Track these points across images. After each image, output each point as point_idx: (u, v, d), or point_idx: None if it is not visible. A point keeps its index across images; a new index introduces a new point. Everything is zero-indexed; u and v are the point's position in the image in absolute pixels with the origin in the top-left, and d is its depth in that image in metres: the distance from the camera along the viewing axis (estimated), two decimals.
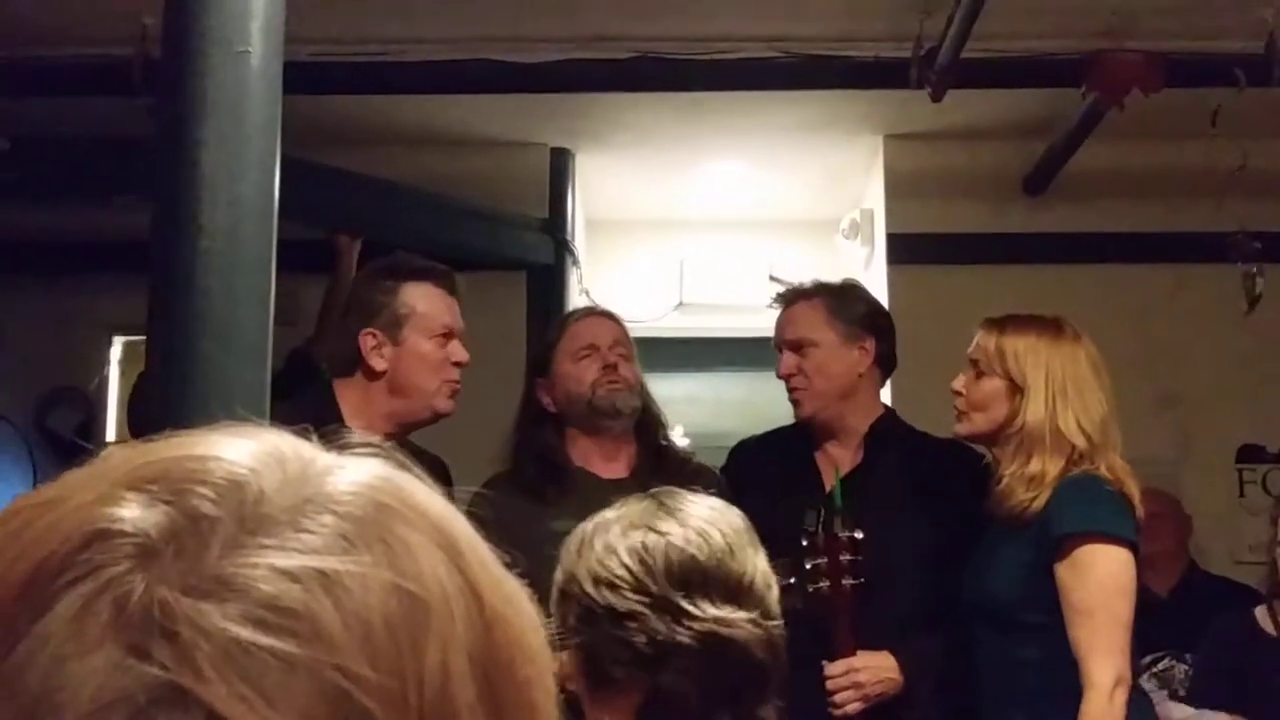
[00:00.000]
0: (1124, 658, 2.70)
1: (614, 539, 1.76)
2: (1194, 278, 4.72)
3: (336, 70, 3.99)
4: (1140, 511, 2.82)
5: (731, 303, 5.68)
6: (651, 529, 1.75)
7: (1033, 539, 2.80)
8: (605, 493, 3.00)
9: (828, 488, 3.16)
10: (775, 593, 1.76)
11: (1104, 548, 2.74)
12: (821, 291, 3.29)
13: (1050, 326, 2.95)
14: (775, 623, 1.74)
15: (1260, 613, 3.54)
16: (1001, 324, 2.96)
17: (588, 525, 1.82)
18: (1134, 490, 2.82)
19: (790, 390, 3.22)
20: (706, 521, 1.76)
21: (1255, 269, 4.00)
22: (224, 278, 1.91)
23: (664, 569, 1.72)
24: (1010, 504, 2.83)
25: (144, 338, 2.05)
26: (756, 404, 4.28)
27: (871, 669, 2.91)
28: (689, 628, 1.70)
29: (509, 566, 0.57)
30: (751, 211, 5.64)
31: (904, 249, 4.90)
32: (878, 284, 4.80)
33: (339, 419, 2.74)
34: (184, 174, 1.91)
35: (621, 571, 1.73)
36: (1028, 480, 2.82)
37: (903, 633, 2.97)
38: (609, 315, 3.24)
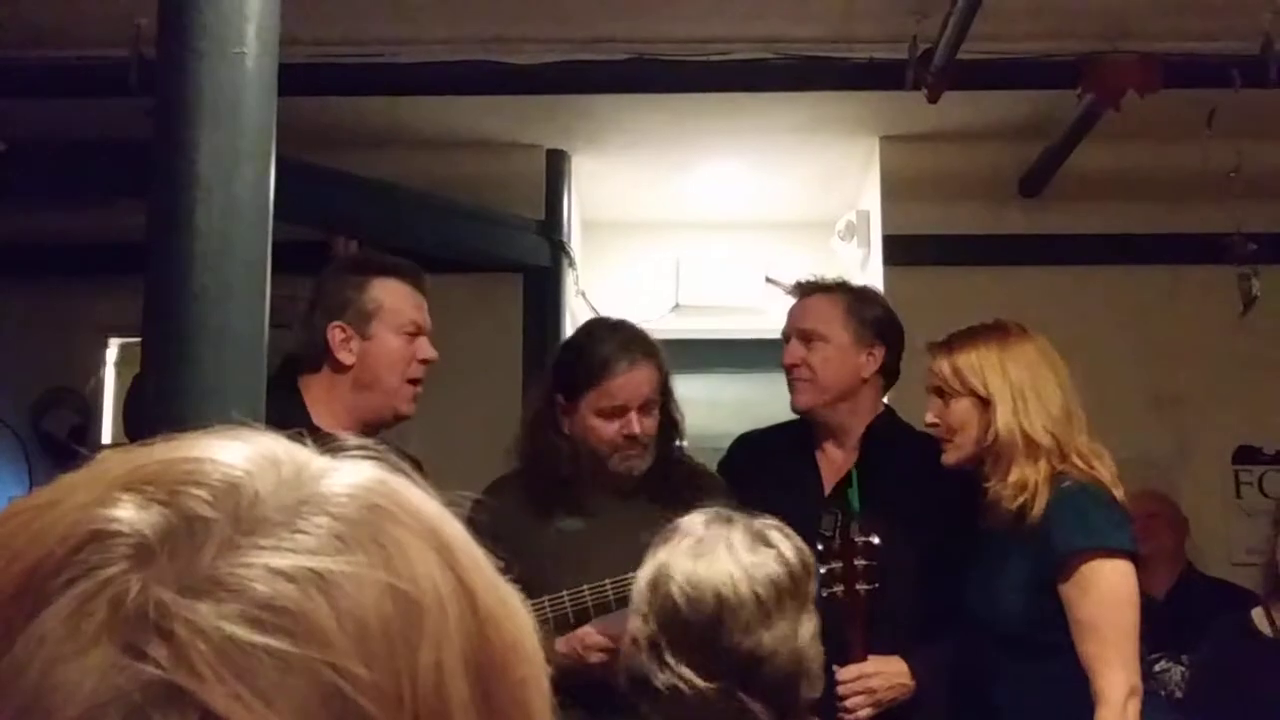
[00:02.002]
0: (1134, 669, 2.71)
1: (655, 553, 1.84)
2: (1190, 279, 4.73)
3: (332, 71, 3.99)
4: (1120, 497, 2.82)
5: (727, 304, 5.68)
6: (674, 559, 1.80)
7: (1033, 556, 2.80)
8: (611, 505, 3.00)
9: (826, 487, 3.15)
10: (783, 662, 1.76)
11: (1105, 562, 2.74)
12: (841, 288, 3.28)
13: (995, 331, 2.95)
14: (763, 694, 1.74)
15: (1257, 614, 3.54)
16: (948, 344, 2.97)
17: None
18: (1114, 481, 2.82)
19: (792, 380, 3.19)
20: (726, 573, 1.77)
21: (1251, 270, 4.00)
22: (219, 280, 1.91)
23: (658, 609, 1.78)
24: (1000, 514, 2.83)
25: (139, 340, 2.05)
26: (753, 405, 4.27)
27: (884, 674, 2.89)
28: (663, 678, 1.75)
29: (503, 572, 0.58)
30: (747, 213, 5.65)
31: (900, 250, 4.90)
32: (874, 286, 4.80)
33: (304, 415, 2.74)
34: (179, 175, 1.91)
35: (640, 593, 1.82)
36: (1014, 488, 2.81)
37: (910, 635, 2.95)
38: (649, 363, 3.02)
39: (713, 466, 3.33)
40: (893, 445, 3.20)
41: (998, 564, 2.88)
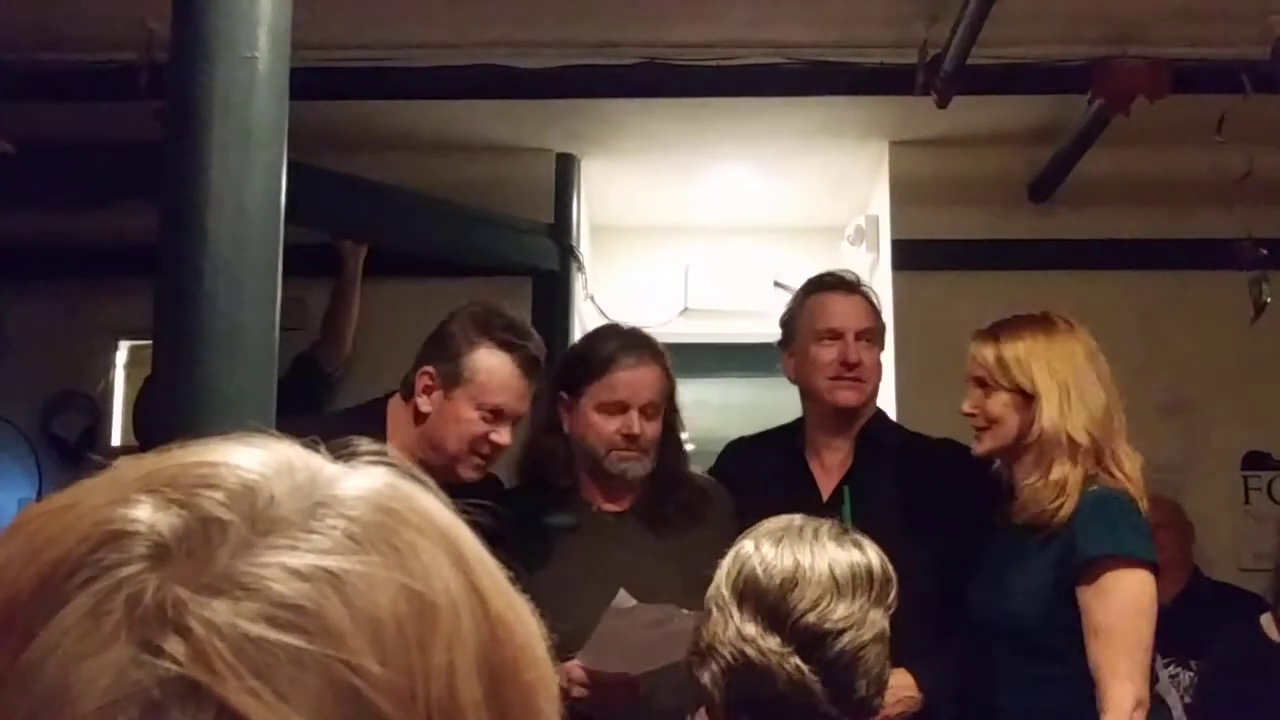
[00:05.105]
0: (1144, 680, 2.69)
1: (740, 540, 1.91)
2: (1200, 284, 4.72)
3: (343, 75, 4.00)
4: (1145, 508, 2.82)
5: (736, 308, 5.68)
6: (759, 541, 1.86)
7: (1055, 559, 2.79)
8: (603, 525, 2.99)
9: (822, 489, 3.14)
10: (845, 645, 1.79)
11: (1128, 571, 2.73)
12: (870, 291, 3.29)
13: (1042, 324, 2.91)
14: (821, 670, 1.77)
15: (1266, 620, 3.53)
16: (994, 333, 2.92)
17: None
18: (1140, 490, 2.81)
19: (854, 379, 3.14)
20: (807, 553, 1.83)
21: (1262, 276, 4.00)
22: (230, 282, 1.91)
23: (734, 578, 1.84)
24: (1034, 513, 2.80)
25: (150, 342, 2.05)
26: (762, 409, 4.27)
27: (890, 689, 2.85)
28: (728, 638, 1.79)
29: (513, 581, 0.58)
30: (757, 217, 5.65)
31: (909, 255, 4.90)
32: (883, 290, 4.79)
33: (381, 436, 2.71)
34: (190, 179, 1.92)
35: (720, 572, 1.88)
36: (1054, 488, 2.79)
37: (914, 645, 2.91)
38: (653, 362, 3.01)
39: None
40: (887, 447, 3.19)
41: (1013, 563, 2.87)
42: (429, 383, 2.80)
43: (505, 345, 2.82)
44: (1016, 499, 2.87)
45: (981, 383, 2.91)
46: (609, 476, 2.98)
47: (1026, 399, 2.85)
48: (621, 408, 2.93)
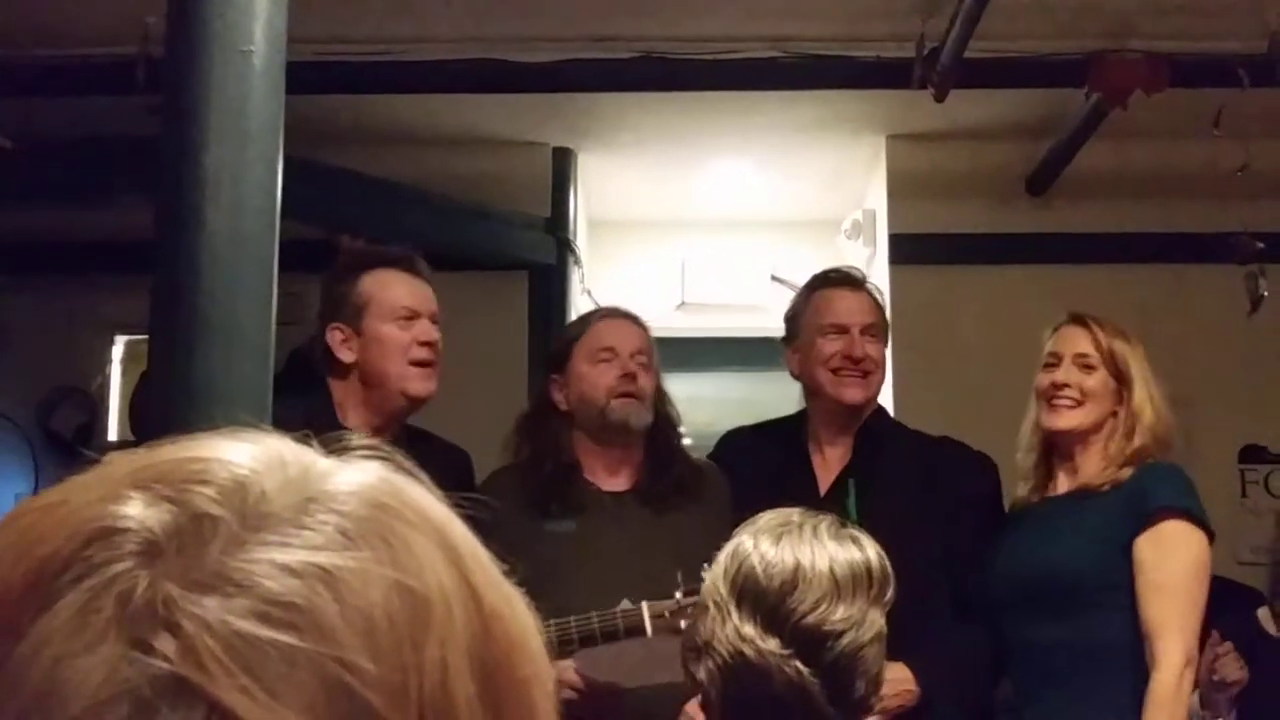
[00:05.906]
0: (1195, 640, 2.77)
1: (738, 535, 1.88)
2: (1196, 278, 4.72)
3: (339, 70, 4.00)
4: None
5: (733, 303, 5.68)
6: (758, 538, 1.84)
7: (1117, 512, 2.86)
8: (604, 505, 3.00)
9: (821, 483, 3.13)
10: (845, 647, 1.79)
11: (1195, 530, 2.82)
12: (875, 288, 3.30)
13: (1122, 327, 3.08)
14: (820, 672, 1.77)
15: (1263, 614, 3.54)
16: (1100, 322, 3.06)
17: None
18: None
19: (859, 373, 3.13)
20: (807, 551, 1.82)
21: (1258, 269, 4.00)
22: (226, 277, 1.91)
23: (732, 576, 1.81)
24: (1096, 481, 2.92)
25: (146, 337, 2.06)
26: (758, 403, 4.27)
27: (888, 682, 2.84)
28: (725, 636, 1.77)
29: (507, 574, 0.58)
30: (753, 211, 5.65)
31: (906, 249, 4.90)
32: (880, 284, 4.79)
33: (333, 417, 2.75)
34: (187, 173, 1.92)
35: (717, 567, 1.85)
36: (1133, 455, 2.92)
37: (912, 637, 2.90)
38: (634, 319, 3.12)
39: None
40: (887, 443, 3.18)
41: (1062, 523, 2.94)
42: (342, 335, 2.85)
43: (377, 262, 2.91)
44: (1066, 474, 3.00)
45: (1084, 361, 3.01)
46: (609, 435, 3.01)
47: (1120, 383, 2.99)
48: (612, 352, 3.02)
